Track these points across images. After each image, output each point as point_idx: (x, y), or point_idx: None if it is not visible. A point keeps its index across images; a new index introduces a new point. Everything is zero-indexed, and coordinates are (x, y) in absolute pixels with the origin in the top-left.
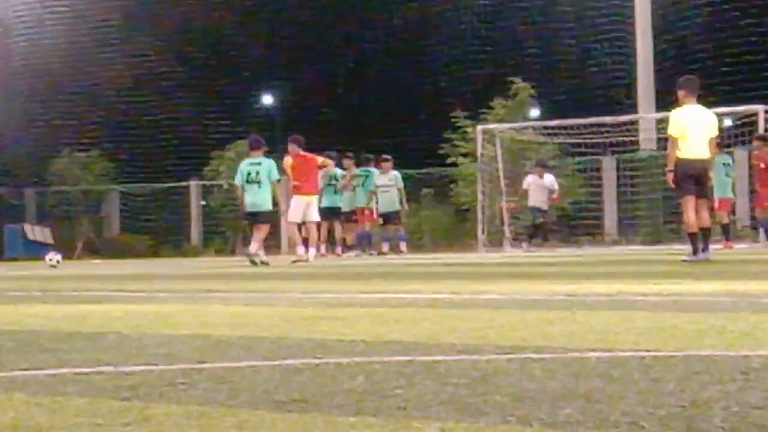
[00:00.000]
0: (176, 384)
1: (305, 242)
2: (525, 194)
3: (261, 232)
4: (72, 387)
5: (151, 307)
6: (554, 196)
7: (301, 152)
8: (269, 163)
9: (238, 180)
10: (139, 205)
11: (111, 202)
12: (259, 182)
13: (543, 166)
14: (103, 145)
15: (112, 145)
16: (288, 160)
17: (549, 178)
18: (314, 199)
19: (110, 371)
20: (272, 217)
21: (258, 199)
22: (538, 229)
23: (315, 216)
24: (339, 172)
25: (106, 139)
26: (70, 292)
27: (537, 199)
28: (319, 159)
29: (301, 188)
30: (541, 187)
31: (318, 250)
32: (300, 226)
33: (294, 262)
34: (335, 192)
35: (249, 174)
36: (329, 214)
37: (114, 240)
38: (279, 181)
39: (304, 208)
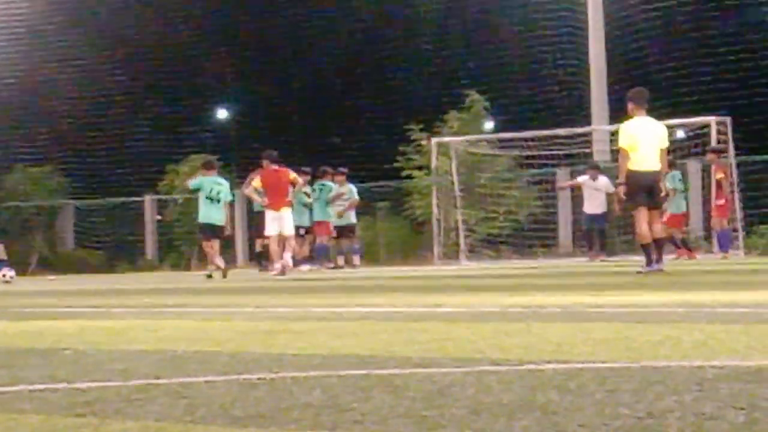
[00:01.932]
0: (132, 400)
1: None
2: (574, 188)
3: (216, 246)
4: (27, 404)
5: (107, 323)
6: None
7: (273, 167)
8: (227, 185)
9: (193, 185)
10: (94, 220)
11: (65, 217)
12: (219, 200)
13: (596, 168)
14: (57, 159)
15: (65, 159)
16: (257, 181)
17: (603, 181)
18: (286, 212)
19: (65, 388)
20: (223, 233)
21: (218, 215)
22: (594, 237)
23: (289, 229)
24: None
25: (60, 154)
26: (24, 309)
27: (591, 204)
28: (291, 175)
29: (272, 203)
30: (595, 191)
31: (303, 262)
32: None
33: (275, 275)
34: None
35: (211, 191)
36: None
37: (68, 255)
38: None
39: (278, 222)
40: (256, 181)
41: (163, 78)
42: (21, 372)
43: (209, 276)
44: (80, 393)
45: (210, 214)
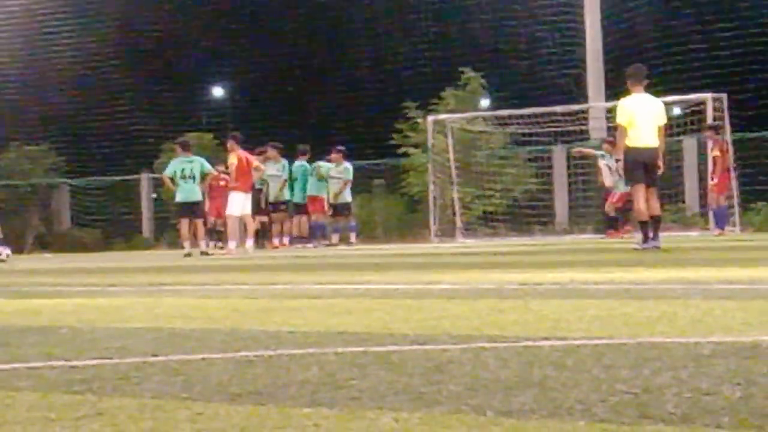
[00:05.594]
0: (129, 377)
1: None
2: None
3: (201, 227)
4: (24, 382)
5: (103, 301)
6: None
7: (240, 152)
8: (201, 161)
9: (168, 173)
10: (90, 198)
11: (61, 195)
12: (193, 177)
13: None
14: (53, 138)
15: (61, 138)
16: (233, 160)
17: None
18: (250, 195)
19: (62, 365)
20: (202, 210)
21: (192, 192)
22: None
23: (249, 210)
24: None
25: (56, 133)
26: (21, 287)
27: None
28: (255, 162)
29: (242, 185)
30: None
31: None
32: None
33: (224, 254)
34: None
35: (183, 170)
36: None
37: (64, 234)
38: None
39: (242, 203)
40: (233, 157)
41: (158, 56)
42: (18, 350)
43: (188, 255)
44: (77, 371)
45: (184, 193)
